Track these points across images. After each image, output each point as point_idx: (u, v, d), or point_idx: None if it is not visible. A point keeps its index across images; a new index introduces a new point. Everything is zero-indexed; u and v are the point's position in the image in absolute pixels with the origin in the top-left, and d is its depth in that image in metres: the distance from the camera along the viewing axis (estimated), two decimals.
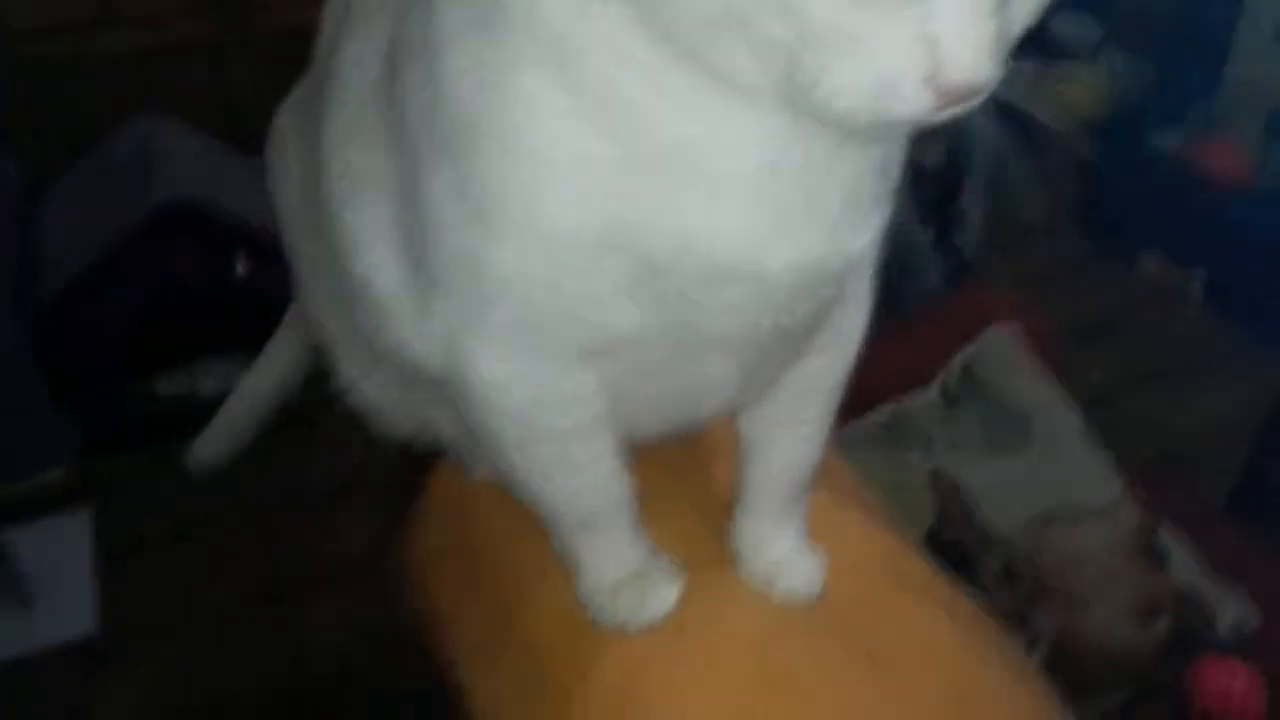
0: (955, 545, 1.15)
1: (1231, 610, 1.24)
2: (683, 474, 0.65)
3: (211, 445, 0.87)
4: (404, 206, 0.49)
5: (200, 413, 0.96)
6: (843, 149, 0.43)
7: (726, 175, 0.42)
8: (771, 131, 0.41)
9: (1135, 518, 1.20)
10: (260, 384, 0.87)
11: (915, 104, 0.36)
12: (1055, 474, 1.22)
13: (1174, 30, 3.13)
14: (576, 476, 0.54)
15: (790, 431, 0.59)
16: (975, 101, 0.37)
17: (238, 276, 2.10)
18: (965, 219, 2.24)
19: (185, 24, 2.38)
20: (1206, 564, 1.25)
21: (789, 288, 0.46)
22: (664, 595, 0.58)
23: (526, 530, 0.59)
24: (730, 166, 0.42)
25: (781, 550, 0.60)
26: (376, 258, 0.52)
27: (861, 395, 1.35)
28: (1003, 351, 1.38)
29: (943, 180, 2.13)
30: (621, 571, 0.58)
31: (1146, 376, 2.38)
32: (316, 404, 0.72)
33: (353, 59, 0.53)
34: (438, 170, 0.46)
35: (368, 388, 0.63)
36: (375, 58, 0.51)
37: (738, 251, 0.43)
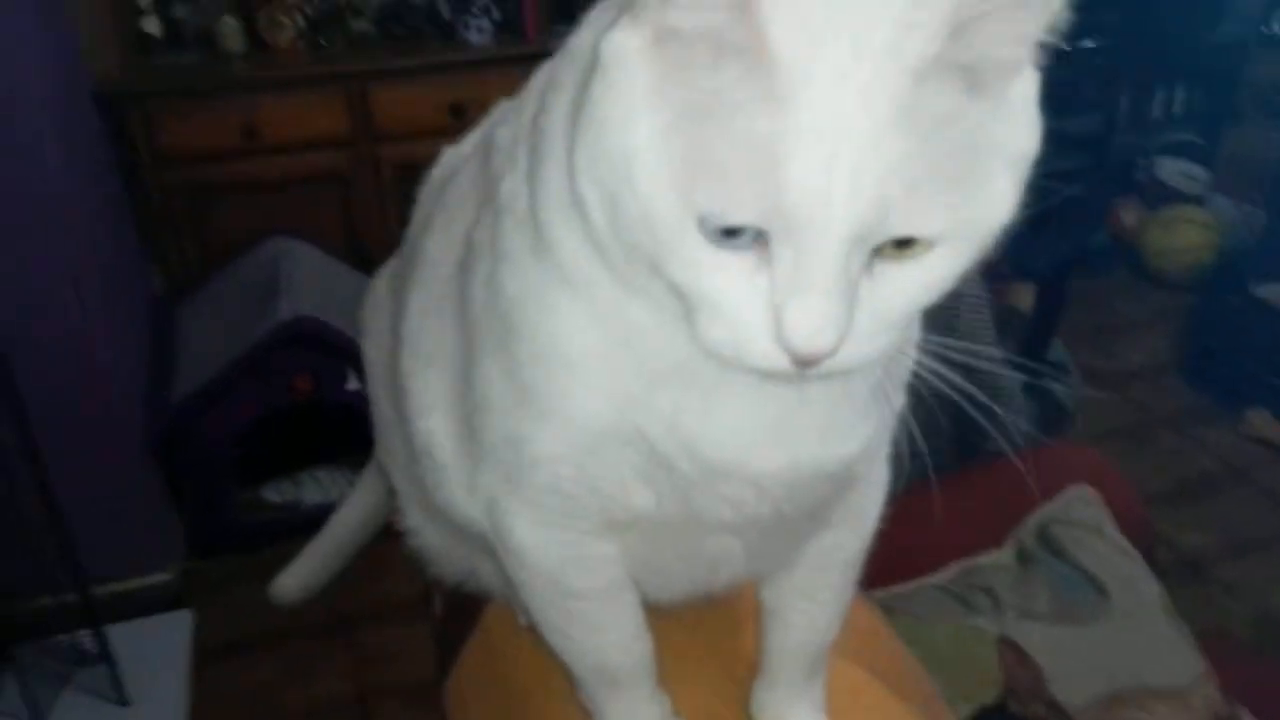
0: None
1: None
2: (714, 638, 0.69)
3: (295, 580, 0.93)
4: (463, 384, 0.56)
5: (303, 521, 1.02)
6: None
7: (721, 390, 0.48)
8: None
9: (1213, 703, 1.15)
10: (344, 527, 0.94)
11: (772, 360, 0.42)
12: (1130, 649, 1.18)
13: None
14: (599, 634, 0.59)
15: (808, 602, 0.63)
16: (837, 365, 0.42)
17: (348, 390, 2.21)
18: (1061, 365, 2.21)
19: (319, 155, 2.57)
20: None
21: (782, 486, 0.50)
22: None
23: (558, 681, 0.64)
24: (724, 383, 0.47)
25: None
26: (436, 424, 0.59)
27: (931, 551, 1.35)
28: (1083, 512, 1.35)
29: (1035, 325, 2.12)
30: None
31: (1245, 544, 2.28)
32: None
33: (436, 247, 0.60)
34: (492, 359, 0.52)
35: (427, 534, 0.69)
36: (452, 252, 0.58)
37: (731, 455, 0.49)
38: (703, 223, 0.39)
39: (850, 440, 0.52)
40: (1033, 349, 2.07)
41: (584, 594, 0.58)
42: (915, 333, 0.54)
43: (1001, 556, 1.31)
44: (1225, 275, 2.90)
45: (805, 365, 0.41)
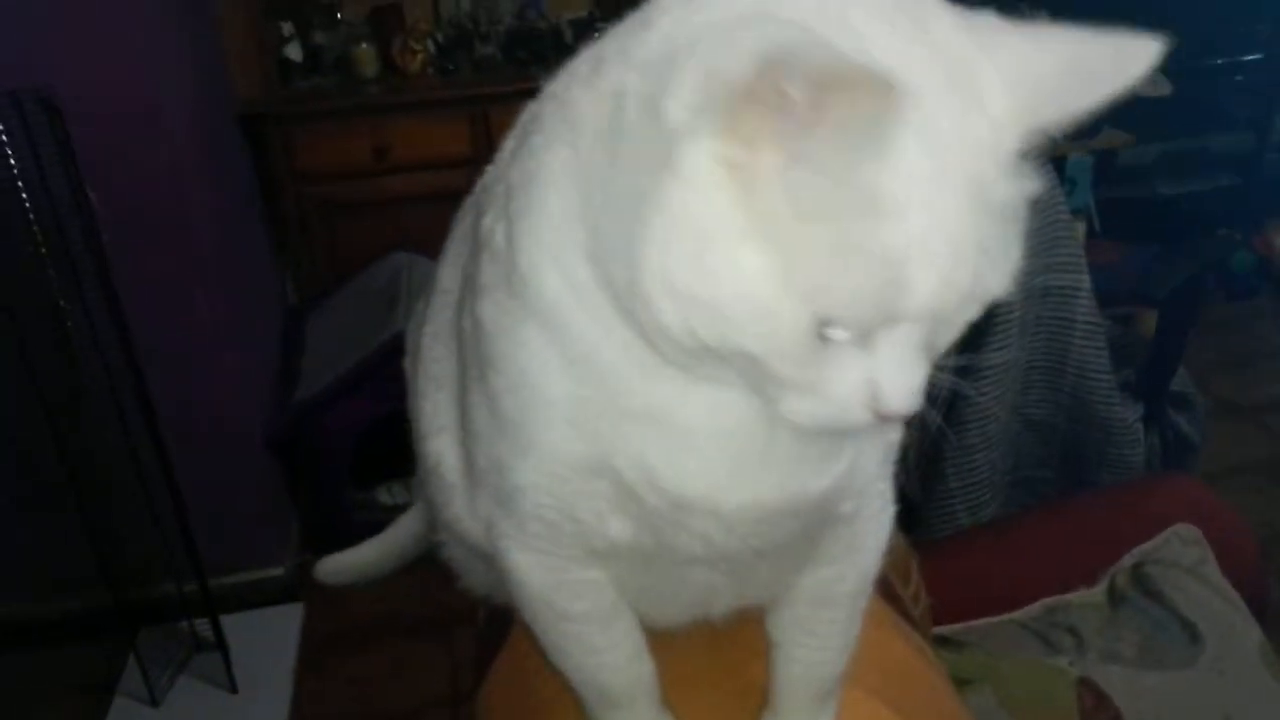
0: None
1: None
2: (727, 665, 0.68)
3: (345, 566, 0.97)
4: (460, 410, 0.58)
5: None
6: None
7: (689, 430, 0.48)
8: (733, 401, 0.47)
9: None
10: (405, 529, 0.97)
11: (859, 425, 0.44)
12: (1220, 698, 1.11)
13: None
14: (596, 655, 0.60)
15: (809, 636, 0.62)
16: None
17: None
18: (1186, 397, 2.10)
19: (442, 174, 2.66)
20: None
21: (747, 523, 0.50)
22: None
23: (574, 702, 0.65)
24: (692, 423, 0.48)
25: None
26: (444, 445, 0.61)
27: (1020, 586, 1.30)
28: (1182, 552, 1.28)
29: (1156, 354, 2.02)
30: None
31: None
32: None
33: (446, 275, 0.62)
34: (477, 388, 0.54)
35: (451, 547, 0.71)
36: (455, 281, 0.60)
37: (695, 491, 0.49)
38: (817, 326, 0.41)
39: (818, 477, 0.52)
40: (1153, 379, 1.96)
41: (577, 617, 0.59)
42: None
43: (1092, 595, 1.25)
44: None
45: (893, 420, 0.44)
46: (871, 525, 0.60)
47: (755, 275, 0.40)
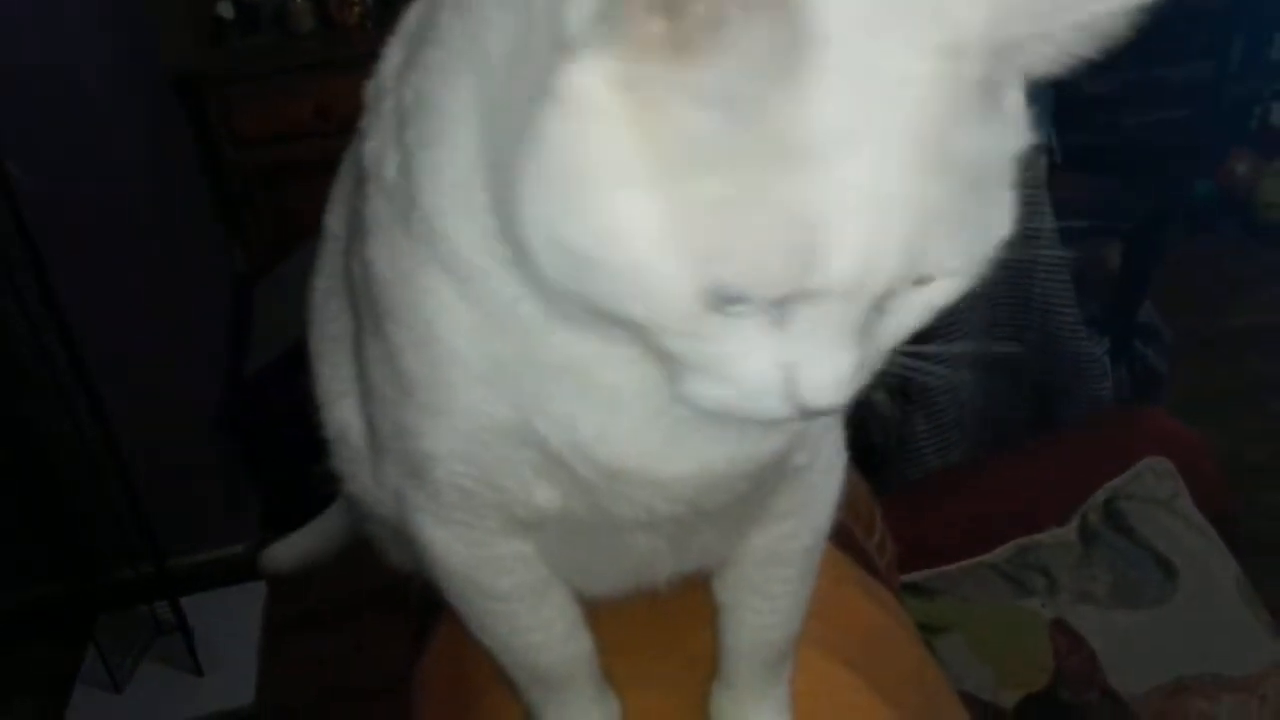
0: (1075, 709, 1.05)
1: None
2: (672, 636, 0.64)
3: (285, 554, 0.92)
4: (358, 368, 0.52)
5: None
6: None
7: (619, 393, 0.42)
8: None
9: None
10: (344, 509, 0.92)
11: (775, 415, 0.37)
12: (1197, 634, 1.09)
13: None
14: (525, 635, 0.55)
15: (761, 598, 0.58)
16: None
17: None
18: (1152, 328, 2.08)
19: None
20: None
21: (691, 490, 0.45)
22: None
23: (508, 683, 0.60)
24: (623, 386, 0.42)
25: None
26: (346, 412, 0.55)
27: (989, 527, 1.27)
28: (1155, 485, 1.25)
29: (1122, 287, 1.99)
30: None
31: None
32: None
33: (334, 219, 0.56)
34: (374, 341, 0.48)
35: (369, 524, 0.66)
36: (342, 227, 0.54)
37: (631, 462, 0.44)
38: (710, 294, 0.35)
39: (767, 440, 0.46)
40: (1120, 312, 1.94)
41: (502, 594, 0.54)
42: None
43: (1064, 534, 1.22)
44: None
45: (817, 415, 0.38)
46: (825, 477, 0.55)
47: (637, 226, 0.33)
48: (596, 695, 0.58)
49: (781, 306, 0.35)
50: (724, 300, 0.35)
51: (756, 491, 0.50)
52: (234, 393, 2.24)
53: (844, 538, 0.83)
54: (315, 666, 1.98)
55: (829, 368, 0.36)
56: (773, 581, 0.57)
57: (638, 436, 0.42)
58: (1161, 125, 3.15)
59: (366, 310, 0.48)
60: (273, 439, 2.28)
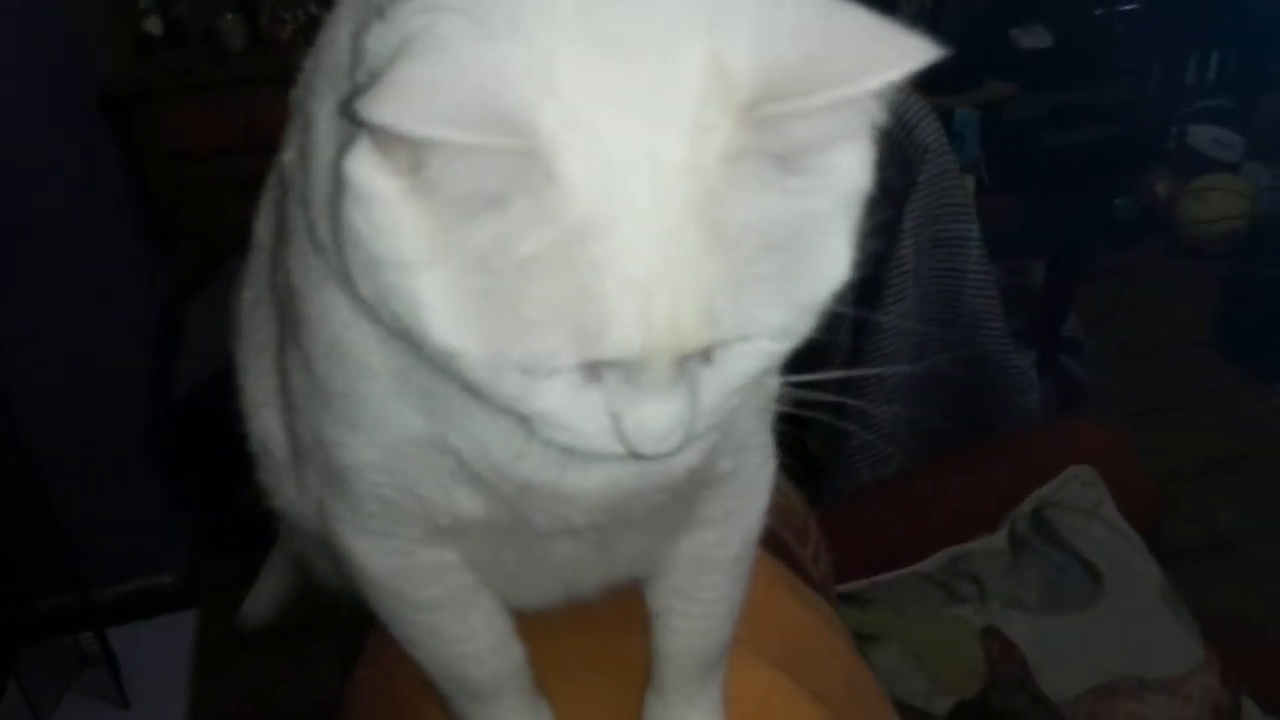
0: (1006, 714, 1.06)
1: None
2: (605, 643, 0.63)
3: (259, 606, 0.89)
4: (279, 377, 0.51)
5: None
6: None
7: None
8: None
9: (1213, 694, 1.08)
10: (285, 550, 0.89)
11: (618, 453, 0.38)
12: (1123, 638, 1.11)
13: None
14: (453, 646, 0.54)
15: (690, 604, 0.57)
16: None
17: None
18: (1075, 342, 2.13)
19: None
20: None
21: (605, 502, 0.45)
22: None
23: (436, 692, 0.59)
24: None
25: None
26: (268, 422, 0.54)
27: (922, 536, 1.29)
28: (1081, 494, 1.28)
29: (1047, 302, 2.04)
30: None
31: (1278, 521, 2.18)
32: None
33: (262, 229, 0.55)
34: (293, 352, 0.47)
35: (296, 542, 0.65)
36: (269, 235, 0.53)
37: (539, 475, 0.43)
38: (513, 364, 0.36)
39: (684, 454, 0.45)
40: (1045, 326, 1.99)
41: (426, 605, 0.53)
42: None
43: (993, 542, 1.25)
44: (1259, 244, 2.78)
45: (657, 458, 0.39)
46: (752, 483, 0.55)
47: (436, 305, 0.35)
48: (528, 705, 0.57)
49: (593, 366, 0.36)
50: (529, 371, 0.36)
51: (678, 501, 0.50)
52: (162, 417, 2.19)
53: (779, 548, 0.84)
54: (249, 693, 1.94)
55: (649, 419, 0.37)
56: (703, 588, 0.57)
57: (546, 451, 0.42)
58: (1084, 145, 3.24)
59: (288, 318, 0.47)
60: (203, 464, 2.23)
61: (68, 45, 2.31)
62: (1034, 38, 3.13)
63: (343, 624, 0.83)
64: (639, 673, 0.60)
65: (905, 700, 1.05)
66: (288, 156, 0.46)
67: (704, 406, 0.39)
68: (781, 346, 0.39)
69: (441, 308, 0.35)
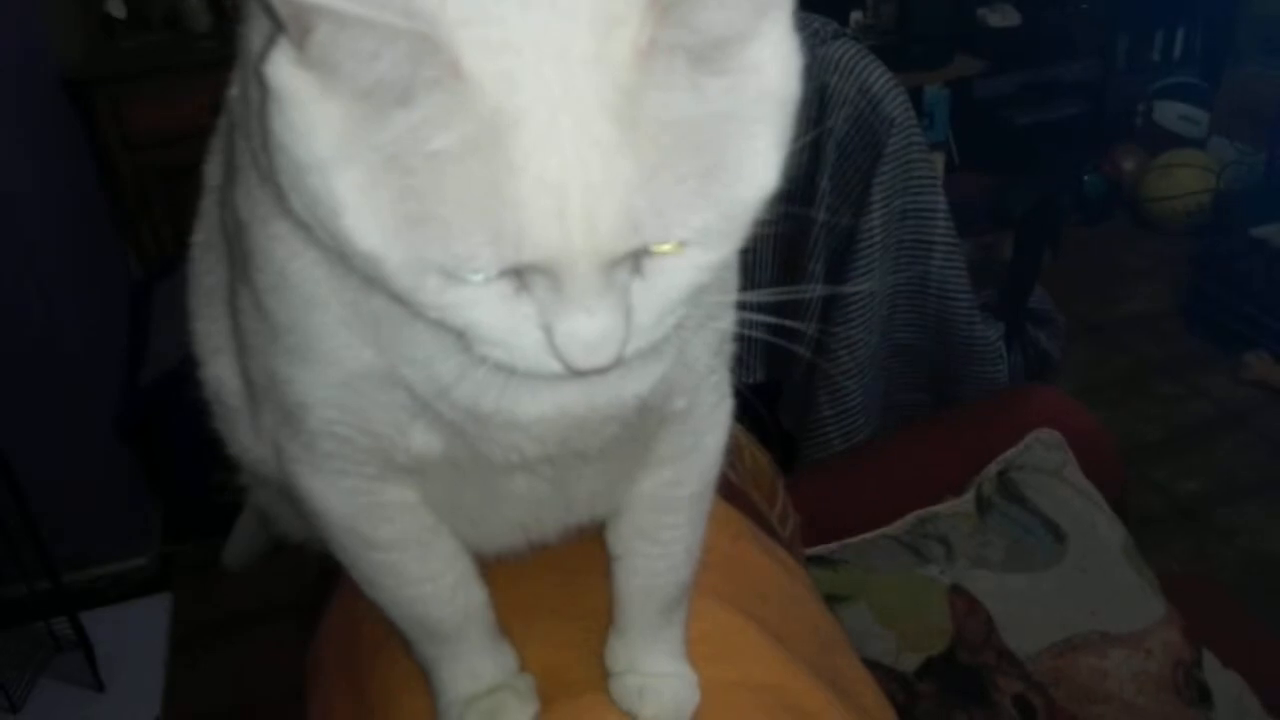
0: (972, 671, 1.08)
1: None
2: (569, 590, 0.64)
3: (238, 551, 0.89)
4: (231, 318, 0.51)
5: None
6: None
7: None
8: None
9: (1174, 648, 1.10)
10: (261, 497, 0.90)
11: (559, 373, 0.38)
12: (1086, 595, 1.13)
13: None
14: (414, 587, 0.55)
15: (650, 544, 0.58)
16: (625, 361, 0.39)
17: None
18: (1043, 314, 2.15)
19: None
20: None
21: (559, 432, 0.45)
22: (514, 716, 0.57)
23: (402, 645, 0.59)
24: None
25: (649, 671, 0.59)
26: (221, 368, 0.54)
27: (890, 501, 1.30)
28: (1044, 456, 1.30)
29: (1014, 273, 2.06)
30: (474, 687, 0.57)
31: (1241, 489, 2.22)
32: None
33: (212, 171, 0.55)
34: (244, 290, 0.47)
35: (257, 494, 0.65)
36: (218, 176, 0.53)
37: (491, 404, 0.44)
38: (438, 270, 0.36)
39: (633, 382, 0.46)
40: (1012, 298, 2.01)
41: (385, 544, 0.53)
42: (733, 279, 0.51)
43: (960, 505, 1.26)
44: (1223, 218, 2.82)
45: (592, 373, 0.38)
46: (709, 421, 0.56)
47: (359, 209, 0.35)
48: (491, 647, 0.58)
49: (520, 274, 0.36)
50: (452, 275, 0.36)
51: (633, 437, 0.50)
52: (131, 401, 2.17)
53: (746, 507, 0.85)
54: (225, 677, 1.93)
55: (578, 330, 0.37)
56: (662, 528, 0.58)
57: (493, 379, 0.42)
58: (1052, 123, 3.26)
59: (237, 255, 0.48)
60: (174, 447, 2.22)
61: (30, 29, 2.28)
62: (1002, 16, 3.15)
63: (313, 607, 0.84)
64: (602, 616, 0.61)
65: (875, 658, 1.06)
66: (233, 91, 0.46)
67: (638, 321, 0.38)
68: (710, 256, 0.39)
69: (361, 209, 0.35)
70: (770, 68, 0.37)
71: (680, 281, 0.39)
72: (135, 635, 2.01)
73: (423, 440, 0.47)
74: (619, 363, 0.38)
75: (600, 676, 0.60)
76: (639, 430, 0.50)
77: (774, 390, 1.89)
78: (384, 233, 0.35)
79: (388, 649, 0.62)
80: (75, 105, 2.44)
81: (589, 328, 0.37)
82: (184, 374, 2.18)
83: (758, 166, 0.38)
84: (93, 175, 2.50)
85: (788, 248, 1.81)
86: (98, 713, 1.86)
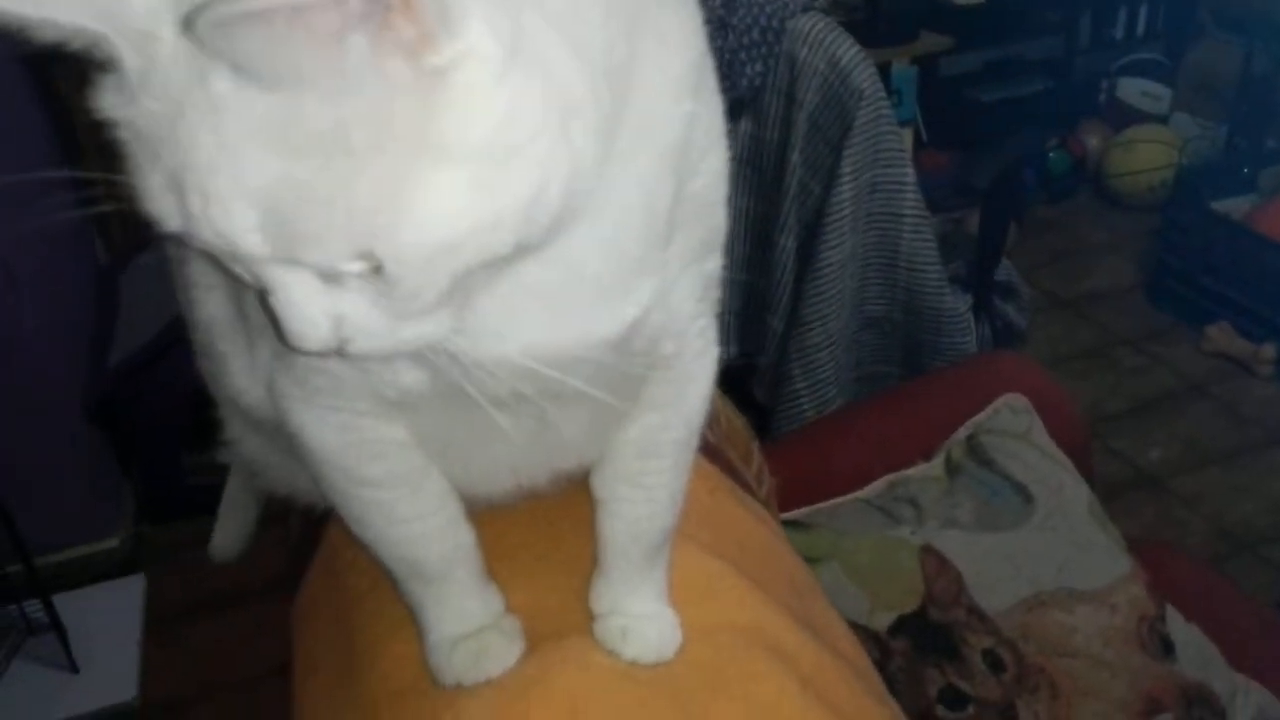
0: (943, 628, 1.11)
1: (1255, 705, 1.15)
2: (557, 535, 0.65)
3: (226, 539, 0.89)
4: None
5: None
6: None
7: None
8: None
9: (1139, 603, 1.13)
10: (239, 481, 0.90)
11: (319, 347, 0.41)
12: (1053, 553, 1.16)
13: (1243, 96, 3.03)
14: (403, 526, 0.55)
15: (634, 489, 0.59)
16: (372, 353, 0.42)
17: None
18: (1010, 286, 2.19)
19: None
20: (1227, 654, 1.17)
21: (535, 367, 0.46)
22: (500, 656, 0.58)
23: (388, 594, 0.60)
24: None
25: (632, 613, 0.60)
26: (212, 307, 0.55)
27: (862, 466, 1.33)
28: (1012, 420, 1.33)
29: (981, 247, 2.09)
30: (461, 628, 0.58)
31: (1205, 458, 2.27)
32: None
33: None
34: None
35: (246, 443, 0.65)
36: None
37: (453, 344, 0.44)
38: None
39: (607, 319, 0.47)
40: (980, 269, 2.04)
41: (375, 481, 0.54)
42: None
43: (930, 469, 1.28)
44: (1186, 193, 2.87)
45: (333, 354, 0.42)
46: (695, 367, 0.57)
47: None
48: (478, 589, 0.59)
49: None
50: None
51: (622, 380, 0.51)
52: (101, 384, 2.16)
53: (723, 465, 0.86)
54: (201, 658, 1.93)
55: (293, 314, 0.40)
56: (647, 474, 0.59)
57: (476, 311, 0.43)
58: (1017, 100, 3.30)
59: None
60: (144, 430, 2.21)
61: None
62: None
63: (290, 542, 0.84)
64: (587, 562, 0.62)
65: (848, 617, 1.08)
66: None
67: (371, 320, 0.40)
68: (409, 284, 0.39)
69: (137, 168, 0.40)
70: (462, 96, 0.37)
71: (358, 300, 0.41)
72: (108, 617, 2.00)
73: (410, 377, 0.48)
74: (349, 349, 0.41)
75: (585, 619, 0.61)
76: (626, 374, 0.51)
77: (748, 365, 1.91)
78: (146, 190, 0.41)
79: (373, 596, 0.63)
80: (37, 81, 2.41)
81: (302, 309, 0.40)
82: (152, 356, 2.16)
83: (432, 207, 0.38)
84: (59, 156, 2.47)
85: (759, 222, 1.83)
86: (73, 694, 1.86)
